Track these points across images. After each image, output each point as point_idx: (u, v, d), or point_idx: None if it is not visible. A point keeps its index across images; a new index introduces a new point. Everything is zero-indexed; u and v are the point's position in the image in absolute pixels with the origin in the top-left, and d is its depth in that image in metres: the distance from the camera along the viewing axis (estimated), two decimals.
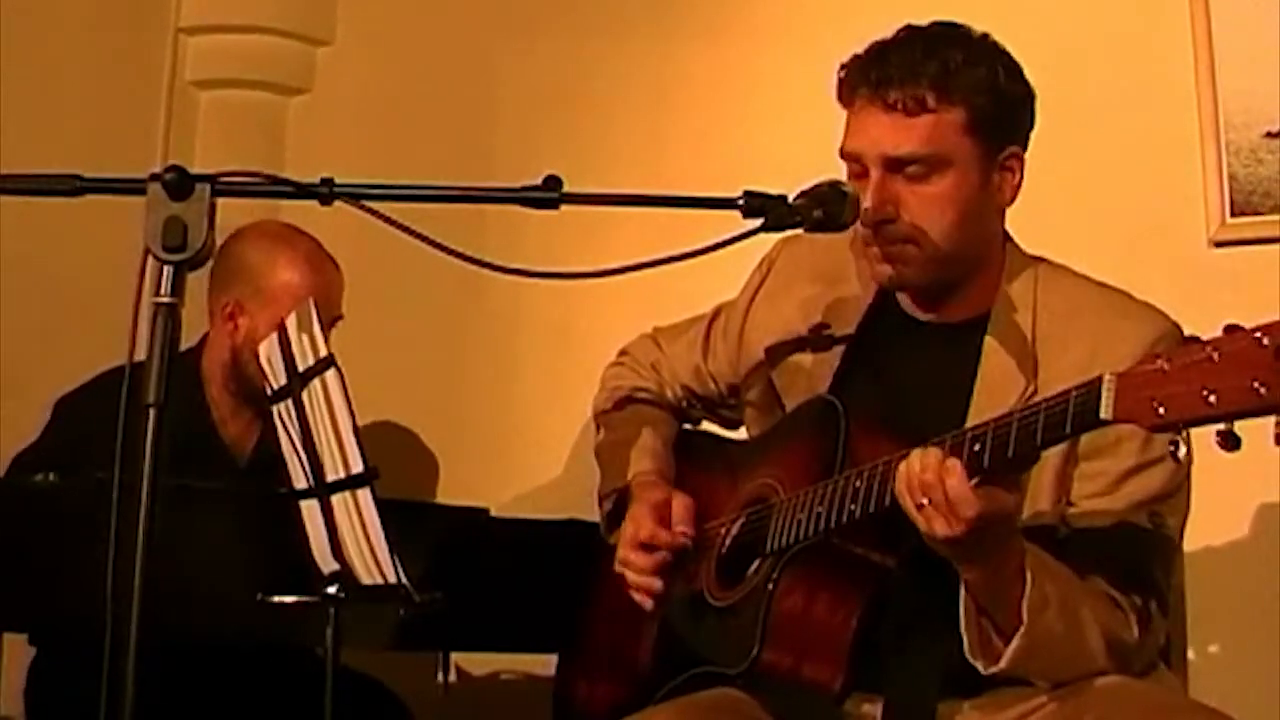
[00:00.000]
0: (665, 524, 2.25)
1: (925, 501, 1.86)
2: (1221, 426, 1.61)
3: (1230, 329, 1.63)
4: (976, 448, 1.85)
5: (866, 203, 2.06)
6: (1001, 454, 1.83)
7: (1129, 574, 2.02)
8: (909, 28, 2.14)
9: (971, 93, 2.09)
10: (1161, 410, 1.66)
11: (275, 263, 2.98)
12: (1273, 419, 1.57)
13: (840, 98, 2.16)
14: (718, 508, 2.29)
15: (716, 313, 2.47)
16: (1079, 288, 2.17)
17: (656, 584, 2.25)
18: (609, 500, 2.38)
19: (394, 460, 3.55)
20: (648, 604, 2.26)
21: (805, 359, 2.27)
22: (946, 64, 2.08)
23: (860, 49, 2.15)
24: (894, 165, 2.09)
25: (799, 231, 1.98)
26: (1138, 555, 2.04)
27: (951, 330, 2.18)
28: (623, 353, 2.58)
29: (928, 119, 2.08)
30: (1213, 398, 1.61)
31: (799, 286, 2.33)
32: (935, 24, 2.15)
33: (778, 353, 2.31)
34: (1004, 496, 1.87)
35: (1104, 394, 1.72)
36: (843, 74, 2.15)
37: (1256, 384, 1.58)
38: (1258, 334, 1.60)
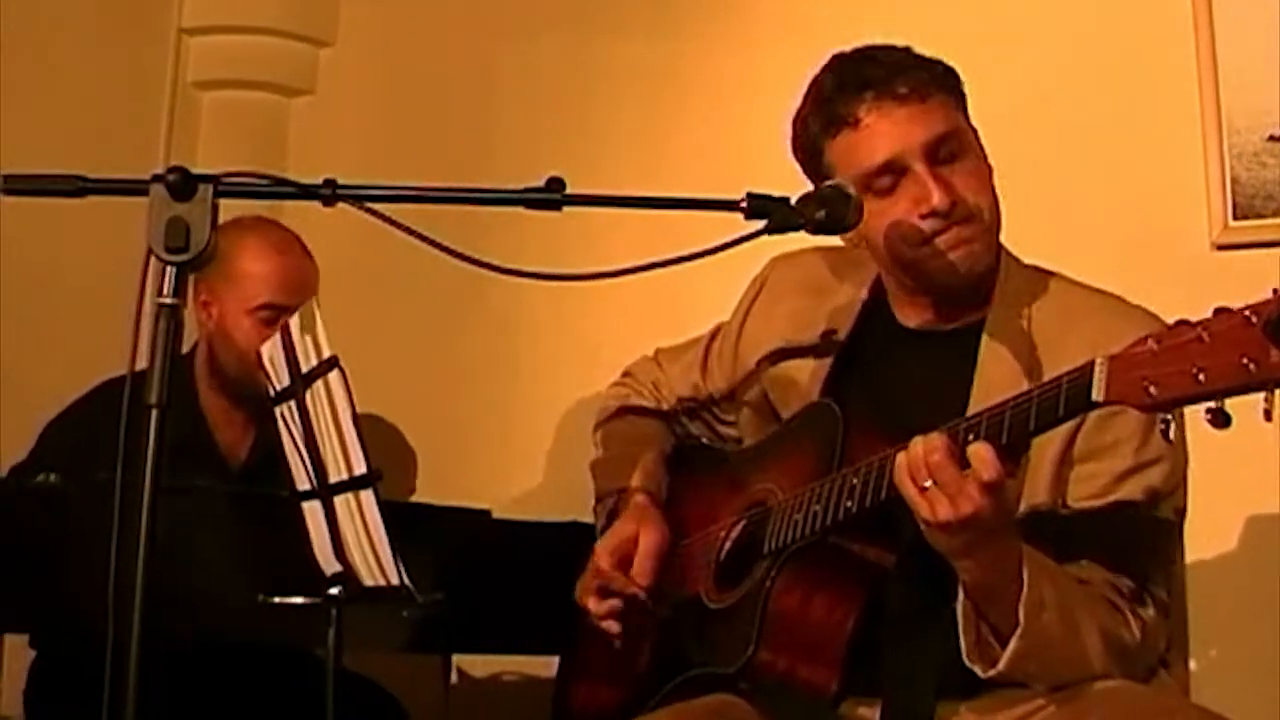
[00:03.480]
0: (625, 564, 2.26)
1: (930, 484, 1.84)
2: (1212, 404, 1.62)
3: (1220, 311, 1.64)
4: (970, 436, 1.84)
5: (934, 200, 2.04)
6: (995, 441, 1.82)
7: (1127, 577, 2.01)
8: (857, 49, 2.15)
9: (949, 81, 2.14)
10: (1152, 390, 1.67)
11: (241, 249, 2.98)
12: (1262, 396, 1.58)
13: (833, 123, 2.10)
14: (717, 514, 2.29)
15: (714, 333, 2.48)
16: (1073, 293, 2.16)
17: (615, 628, 2.26)
18: (601, 517, 2.39)
19: (396, 461, 3.56)
20: (615, 640, 2.28)
21: (797, 369, 2.27)
22: (920, 59, 2.13)
23: (827, 75, 2.14)
24: (932, 152, 2.08)
25: (791, 246, 1.97)
26: (1136, 558, 2.03)
27: (944, 336, 2.18)
28: (625, 373, 2.59)
29: (934, 101, 2.10)
30: (1203, 376, 1.62)
31: (790, 300, 2.34)
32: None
33: (770, 365, 2.32)
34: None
35: (1096, 376, 1.72)
36: (832, 94, 2.11)
37: (1246, 360, 1.59)
38: (1247, 312, 1.61)
